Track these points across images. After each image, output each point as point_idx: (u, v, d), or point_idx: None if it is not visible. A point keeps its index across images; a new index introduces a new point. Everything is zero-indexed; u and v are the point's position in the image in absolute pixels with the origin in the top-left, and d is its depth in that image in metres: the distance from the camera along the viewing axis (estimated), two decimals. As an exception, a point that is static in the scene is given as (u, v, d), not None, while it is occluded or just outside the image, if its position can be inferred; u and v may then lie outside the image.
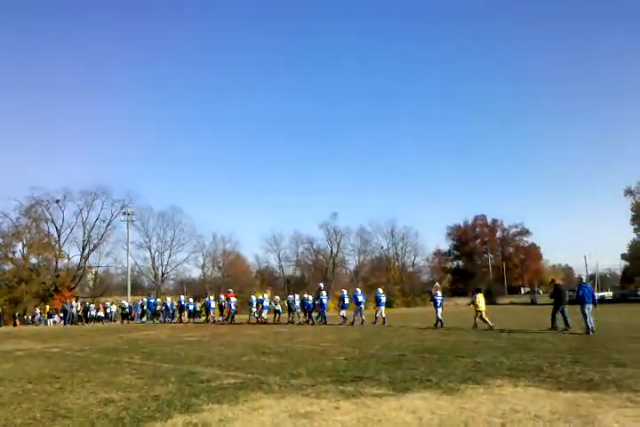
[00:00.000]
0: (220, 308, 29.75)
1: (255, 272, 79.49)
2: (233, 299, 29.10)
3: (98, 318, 35.42)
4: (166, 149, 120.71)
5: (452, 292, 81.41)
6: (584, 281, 17.03)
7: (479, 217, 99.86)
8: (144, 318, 34.34)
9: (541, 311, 35.13)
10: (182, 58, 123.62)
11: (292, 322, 25.49)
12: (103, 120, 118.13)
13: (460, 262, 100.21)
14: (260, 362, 10.38)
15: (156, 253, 62.94)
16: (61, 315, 37.98)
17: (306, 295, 26.55)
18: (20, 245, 52.23)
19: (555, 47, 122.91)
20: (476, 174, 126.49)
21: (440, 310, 20.16)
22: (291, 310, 26.36)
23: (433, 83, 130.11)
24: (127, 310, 34.86)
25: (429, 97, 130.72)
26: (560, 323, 16.43)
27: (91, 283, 60.96)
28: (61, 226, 54.54)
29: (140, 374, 9.21)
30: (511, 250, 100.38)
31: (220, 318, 29.32)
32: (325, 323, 23.54)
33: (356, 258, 77.62)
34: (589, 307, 15.54)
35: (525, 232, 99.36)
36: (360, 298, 23.36)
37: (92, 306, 37.11)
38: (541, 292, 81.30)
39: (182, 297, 34.02)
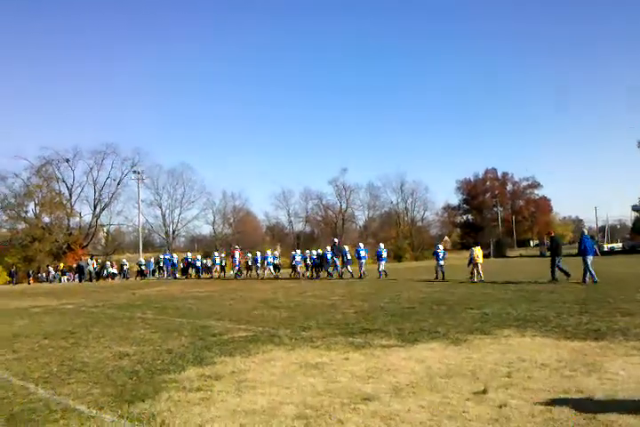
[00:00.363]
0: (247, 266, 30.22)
1: (265, 228, 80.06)
2: (237, 255, 29.86)
3: (112, 275, 36.06)
4: (175, 105, 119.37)
5: (461, 245, 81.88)
6: (585, 234, 17.39)
7: (489, 171, 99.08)
8: (156, 275, 34.88)
9: (547, 263, 35.32)
10: (195, 13, 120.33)
11: (295, 277, 25.88)
12: (112, 78, 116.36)
13: (470, 216, 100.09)
14: (270, 316, 10.56)
15: (167, 211, 63.35)
16: (75, 272, 38.72)
17: (309, 251, 27.00)
18: (32, 205, 52.75)
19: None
20: (486, 127, 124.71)
21: (442, 262, 20.76)
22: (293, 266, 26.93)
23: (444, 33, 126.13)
24: (144, 266, 35.31)
25: (438, 51, 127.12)
26: (559, 275, 16.71)
27: (103, 241, 61.63)
28: (72, 185, 54.84)
29: (154, 328, 9.42)
30: (521, 203, 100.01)
31: (231, 272, 29.84)
32: (334, 276, 23.94)
33: (366, 213, 77.72)
34: (590, 258, 15.96)
35: (536, 185, 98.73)
36: (362, 253, 23.98)
37: (109, 263, 37.73)
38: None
39: (189, 254, 34.54)
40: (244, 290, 18.94)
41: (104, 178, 55.80)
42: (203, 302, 14.40)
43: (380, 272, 22.87)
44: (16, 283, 38.85)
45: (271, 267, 27.68)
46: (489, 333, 7.40)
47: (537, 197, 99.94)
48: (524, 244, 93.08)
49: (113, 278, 35.79)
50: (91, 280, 34.80)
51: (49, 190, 53.03)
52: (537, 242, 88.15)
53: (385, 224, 77.90)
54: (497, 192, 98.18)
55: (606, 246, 56.57)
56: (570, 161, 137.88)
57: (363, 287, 17.64)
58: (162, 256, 35.60)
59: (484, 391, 4.48)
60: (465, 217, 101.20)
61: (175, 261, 33.60)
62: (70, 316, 12.41)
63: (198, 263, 31.98)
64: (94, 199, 55.53)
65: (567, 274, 16.66)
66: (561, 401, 4.16)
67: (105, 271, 36.39)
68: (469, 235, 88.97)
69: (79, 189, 55.22)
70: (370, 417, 3.98)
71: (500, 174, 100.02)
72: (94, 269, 36.35)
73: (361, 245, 25.00)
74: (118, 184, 56.06)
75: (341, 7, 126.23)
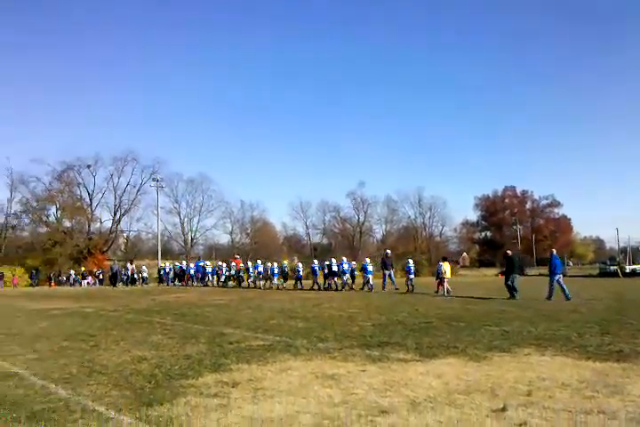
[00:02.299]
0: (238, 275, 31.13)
1: (282, 239, 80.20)
2: (233, 264, 31.78)
3: (144, 280, 36.57)
4: (193, 115, 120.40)
5: (479, 262, 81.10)
6: (554, 254, 18.49)
7: (508, 188, 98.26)
8: (175, 281, 35.05)
9: (569, 282, 34.87)
10: (212, 21, 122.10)
11: (313, 288, 26.30)
12: (133, 86, 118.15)
13: (489, 233, 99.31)
14: (287, 326, 10.57)
15: (185, 219, 63.86)
16: (110, 276, 39.54)
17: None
18: (53, 209, 53.55)
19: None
20: (505, 145, 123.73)
21: (412, 276, 23.27)
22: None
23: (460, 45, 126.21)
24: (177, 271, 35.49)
25: (457, 64, 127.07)
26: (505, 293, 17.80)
27: (122, 247, 62.30)
28: (93, 191, 55.56)
29: (172, 334, 9.49)
30: (541, 222, 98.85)
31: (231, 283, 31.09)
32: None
33: (383, 227, 77.52)
34: (558, 276, 17.09)
35: (556, 204, 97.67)
36: (345, 266, 25.48)
37: (144, 268, 38.16)
38: (571, 264, 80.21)
39: (202, 262, 35.28)
40: (262, 299, 18.98)
41: (124, 184, 56.48)
42: (220, 310, 14.46)
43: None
44: (37, 285, 39.36)
45: (275, 278, 28.24)
46: (508, 350, 7.31)
47: (557, 216, 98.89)
48: (544, 262, 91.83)
49: (147, 283, 36.13)
50: (126, 284, 35.01)
51: (70, 195, 53.88)
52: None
53: (402, 238, 77.53)
54: (516, 210, 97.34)
55: (628, 268, 55.39)
56: (591, 180, 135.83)
57: (380, 300, 17.57)
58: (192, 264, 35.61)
59: (504, 409, 4.43)
60: (483, 234, 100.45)
61: (209, 268, 33.76)
62: (90, 319, 12.55)
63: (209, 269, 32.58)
64: (114, 205, 56.24)
65: (512, 294, 17.55)
66: (582, 422, 4.10)
67: (139, 276, 36.82)
68: (488, 252, 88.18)
69: (100, 194, 55.98)
70: (387, 430, 3.96)
71: (519, 192, 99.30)
72: (132, 273, 36.78)
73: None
74: (138, 191, 56.74)
75: (371, 17, 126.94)
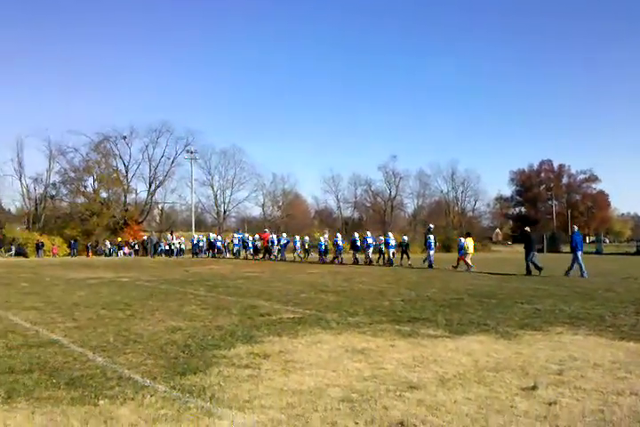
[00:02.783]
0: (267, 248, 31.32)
1: (314, 212, 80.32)
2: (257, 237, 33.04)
3: (181, 251, 37.55)
4: (226, 87, 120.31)
5: (513, 238, 79.96)
6: (576, 231, 19.28)
7: (545, 162, 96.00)
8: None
9: (606, 261, 34.26)
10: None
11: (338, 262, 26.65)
12: (166, 59, 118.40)
13: (523, 209, 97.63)
14: (318, 299, 10.67)
15: (218, 191, 64.26)
16: (144, 247, 40.78)
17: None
18: (90, 180, 54.51)
19: None
20: (543, 117, 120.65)
21: (431, 252, 23.14)
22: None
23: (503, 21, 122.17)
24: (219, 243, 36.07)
25: (494, 39, 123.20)
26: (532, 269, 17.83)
27: (157, 218, 63.36)
28: (129, 162, 56.19)
29: (205, 305, 9.69)
30: (577, 197, 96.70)
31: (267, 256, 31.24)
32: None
33: (415, 201, 76.71)
34: (580, 253, 17.36)
35: (594, 179, 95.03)
36: (370, 240, 25.76)
37: (182, 239, 38.95)
38: (608, 241, 78.48)
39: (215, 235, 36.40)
40: (293, 272, 19.17)
41: (159, 156, 57.01)
42: (252, 282, 14.68)
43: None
44: (75, 255, 40.49)
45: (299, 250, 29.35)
46: (540, 329, 7.25)
47: (594, 192, 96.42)
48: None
49: (182, 255, 36.92)
50: (163, 255, 35.75)
51: (107, 166, 54.61)
52: (593, 238, 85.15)
53: (434, 213, 76.65)
54: (552, 185, 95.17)
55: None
56: (631, 155, 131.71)
57: (410, 276, 17.56)
58: (236, 235, 35.92)
59: (534, 388, 4.40)
60: (518, 209, 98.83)
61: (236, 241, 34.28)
62: (126, 288, 12.90)
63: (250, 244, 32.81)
64: (150, 177, 56.89)
65: (539, 268, 17.68)
66: (613, 403, 4.06)
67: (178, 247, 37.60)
68: (522, 228, 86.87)
69: (135, 166, 56.64)
70: (415, 406, 3.98)
71: (555, 166, 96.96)
72: (176, 244, 37.55)
73: (368, 233, 27.09)
74: (172, 163, 57.19)
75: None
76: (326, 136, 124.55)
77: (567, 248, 68.07)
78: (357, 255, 26.64)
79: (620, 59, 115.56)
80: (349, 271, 19.94)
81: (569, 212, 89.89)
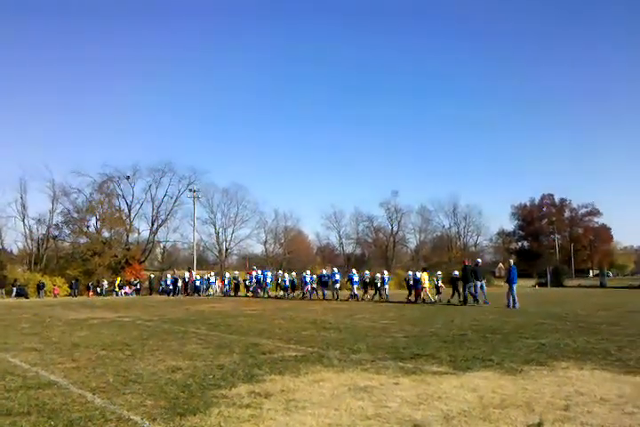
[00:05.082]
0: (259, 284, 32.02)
1: (316, 249, 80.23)
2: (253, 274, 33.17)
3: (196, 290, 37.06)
4: (228, 127, 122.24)
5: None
6: (512, 264, 20.81)
7: (546, 196, 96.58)
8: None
9: (610, 294, 33.99)
10: (250, 38, 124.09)
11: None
12: (168, 98, 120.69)
13: (525, 243, 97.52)
14: (320, 337, 10.55)
15: (220, 229, 64.34)
16: (136, 286, 40.50)
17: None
18: (93, 220, 54.60)
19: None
20: (544, 151, 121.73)
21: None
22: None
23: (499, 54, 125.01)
24: (236, 281, 35.56)
25: (489, 73, 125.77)
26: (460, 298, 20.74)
27: (159, 257, 63.21)
28: (132, 202, 56.42)
29: (206, 344, 9.58)
30: (580, 231, 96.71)
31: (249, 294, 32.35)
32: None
33: (417, 237, 76.67)
34: (515, 286, 19.12)
35: (596, 212, 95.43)
36: (337, 277, 27.35)
37: (199, 278, 38.54)
38: (611, 274, 77.88)
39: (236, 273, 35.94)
40: (295, 310, 19.02)
41: (161, 195, 57.37)
42: (254, 320, 14.54)
43: (351, 295, 25.91)
44: (77, 295, 40.21)
45: (308, 286, 29.33)
46: (545, 364, 7.15)
47: (596, 226, 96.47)
48: (582, 273, 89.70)
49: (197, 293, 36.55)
50: (191, 294, 35.43)
51: (110, 206, 54.79)
52: (597, 272, 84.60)
53: (437, 248, 76.64)
54: (554, 219, 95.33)
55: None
56: (632, 188, 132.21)
57: (413, 312, 17.40)
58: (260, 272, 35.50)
59: (540, 424, 4.33)
60: (520, 244, 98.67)
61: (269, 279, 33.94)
62: (127, 328, 12.76)
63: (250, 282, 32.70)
64: (152, 216, 57.02)
65: (475, 299, 20.47)
66: (622, 439, 3.98)
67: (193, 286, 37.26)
68: (524, 262, 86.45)
69: (137, 205, 56.92)
70: (420, 444, 3.91)
71: (557, 200, 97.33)
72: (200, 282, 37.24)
73: (335, 269, 29.38)
74: (175, 202, 57.45)
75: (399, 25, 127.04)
76: (327, 173, 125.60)
77: (571, 282, 67.88)
78: (325, 291, 27.65)
79: (623, 89, 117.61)
80: (351, 308, 19.78)
81: (572, 245, 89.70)
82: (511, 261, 22.05)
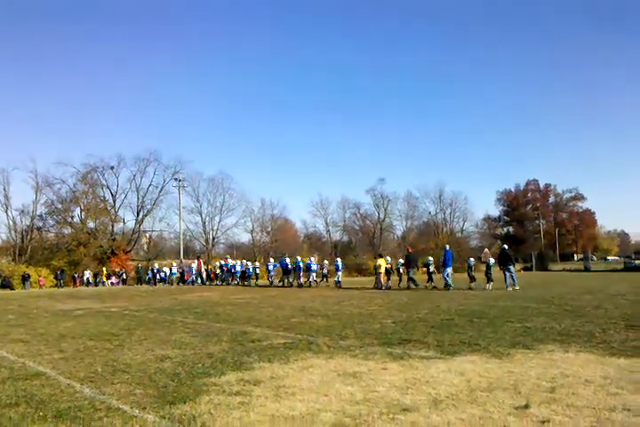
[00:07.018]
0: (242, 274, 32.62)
1: (303, 237, 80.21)
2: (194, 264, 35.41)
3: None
4: (213, 114, 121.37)
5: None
6: (447, 248, 22.37)
7: (531, 182, 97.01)
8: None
9: (594, 278, 34.43)
10: (241, 28, 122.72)
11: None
12: (154, 89, 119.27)
13: (511, 228, 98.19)
14: (308, 324, 10.60)
15: (207, 218, 63.93)
16: (122, 276, 40.37)
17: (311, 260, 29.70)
18: (77, 210, 54.06)
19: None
20: (528, 138, 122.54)
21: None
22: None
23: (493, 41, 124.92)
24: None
25: (480, 62, 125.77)
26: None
27: (145, 247, 62.88)
28: (116, 191, 55.91)
29: (194, 332, 9.58)
30: (564, 216, 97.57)
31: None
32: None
33: (404, 223, 76.86)
34: (449, 269, 21.07)
35: (580, 197, 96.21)
36: (313, 266, 27.67)
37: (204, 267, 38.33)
38: (595, 258, 78.83)
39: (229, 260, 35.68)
40: (283, 298, 19.06)
41: (147, 185, 56.88)
42: (241, 309, 14.55)
43: (336, 282, 26.44)
44: (62, 286, 39.94)
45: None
46: (531, 347, 7.25)
47: (581, 210, 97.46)
48: (567, 257, 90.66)
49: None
50: (193, 284, 35.23)
51: (94, 196, 54.27)
52: (581, 256, 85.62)
53: (423, 235, 76.84)
54: (539, 204, 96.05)
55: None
56: (616, 173, 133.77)
57: (401, 298, 17.52)
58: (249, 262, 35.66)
59: (527, 406, 4.39)
60: (506, 229, 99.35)
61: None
62: (114, 318, 12.71)
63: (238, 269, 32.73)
64: (137, 206, 56.59)
65: (415, 284, 22.17)
66: (606, 419, 4.05)
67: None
68: (510, 248, 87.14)
69: (122, 195, 56.41)
70: (409, 428, 3.95)
71: (542, 186, 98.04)
72: (206, 270, 37.00)
73: (312, 258, 29.58)
74: (160, 191, 56.99)
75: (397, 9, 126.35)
76: (314, 161, 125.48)
77: (556, 266, 68.69)
78: (289, 279, 28.63)
79: (606, 75, 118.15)
80: (339, 295, 19.86)
81: (556, 230, 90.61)
82: (447, 246, 23.83)
